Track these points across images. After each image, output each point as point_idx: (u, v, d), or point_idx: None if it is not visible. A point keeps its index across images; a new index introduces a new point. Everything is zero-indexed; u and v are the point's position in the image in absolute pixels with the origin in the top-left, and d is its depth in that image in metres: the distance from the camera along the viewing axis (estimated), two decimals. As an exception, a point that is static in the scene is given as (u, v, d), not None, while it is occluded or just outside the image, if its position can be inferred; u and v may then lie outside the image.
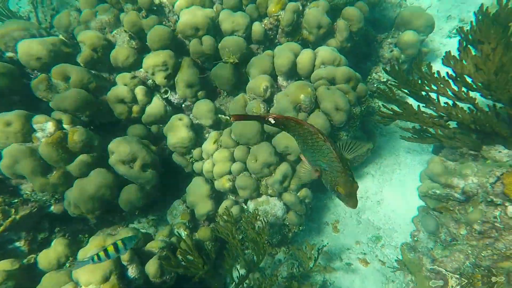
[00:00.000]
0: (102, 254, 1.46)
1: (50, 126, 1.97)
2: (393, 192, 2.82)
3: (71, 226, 2.30)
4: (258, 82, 2.25)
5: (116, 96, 2.25)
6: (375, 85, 3.06)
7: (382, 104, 2.66)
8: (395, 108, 2.26)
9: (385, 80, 2.99)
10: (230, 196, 2.37)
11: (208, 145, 2.31)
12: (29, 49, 2.11)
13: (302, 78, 2.40)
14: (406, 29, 3.03)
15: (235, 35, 2.40)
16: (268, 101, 2.32)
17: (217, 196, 2.35)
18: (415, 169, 2.82)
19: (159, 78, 2.36)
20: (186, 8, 2.37)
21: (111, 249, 1.48)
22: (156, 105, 2.39)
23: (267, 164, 2.14)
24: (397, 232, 2.59)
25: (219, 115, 2.47)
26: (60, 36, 2.48)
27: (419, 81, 2.09)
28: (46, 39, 2.23)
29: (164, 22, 2.50)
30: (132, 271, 1.73)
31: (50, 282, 1.59)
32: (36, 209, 2.09)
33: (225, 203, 2.32)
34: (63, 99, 2.03)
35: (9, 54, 2.22)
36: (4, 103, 2.04)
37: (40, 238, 2.19)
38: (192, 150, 2.36)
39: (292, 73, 2.38)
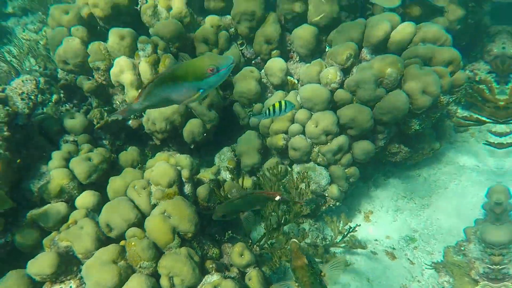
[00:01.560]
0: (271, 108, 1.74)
1: (149, 48, 2.28)
2: (444, 201, 2.67)
3: (140, 141, 2.71)
4: (342, 48, 2.23)
5: (202, 35, 2.47)
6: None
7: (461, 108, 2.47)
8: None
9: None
10: (276, 157, 2.50)
11: (270, 102, 2.44)
12: None
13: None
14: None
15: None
16: (347, 72, 2.31)
17: (264, 153, 2.51)
18: (480, 185, 2.61)
19: (242, 27, 2.51)
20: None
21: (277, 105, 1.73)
22: (233, 53, 2.56)
23: (327, 132, 2.19)
24: (436, 240, 2.49)
25: (288, 77, 2.55)
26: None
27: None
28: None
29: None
30: (187, 189, 2.00)
31: (129, 174, 1.96)
32: (121, 118, 2.50)
33: (273, 159, 2.47)
34: (164, 26, 2.32)
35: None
36: (120, 21, 2.41)
37: (117, 144, 2.64)
38: (253, 104, 2.51)
39: (381, 47, 2.30)
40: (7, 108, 1.93)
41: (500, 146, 2.53)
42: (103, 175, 2.12)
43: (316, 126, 2.20)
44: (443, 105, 2.15)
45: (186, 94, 1.11)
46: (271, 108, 1.74)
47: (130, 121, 2.57)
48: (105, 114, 2.50)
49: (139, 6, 2.52)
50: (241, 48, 2.64)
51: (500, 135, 2.61)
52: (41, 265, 1.54)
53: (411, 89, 2.04)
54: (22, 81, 2.09)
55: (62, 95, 2.66)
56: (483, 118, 2.01)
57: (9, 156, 1.88)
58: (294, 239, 1.30)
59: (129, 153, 2.36)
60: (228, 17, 2.59)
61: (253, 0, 2.40)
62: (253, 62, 2.72)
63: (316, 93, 2.20)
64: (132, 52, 2.33)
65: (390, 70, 2.05)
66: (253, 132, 2.50)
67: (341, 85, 2.24)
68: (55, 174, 1.95)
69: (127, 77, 2.26)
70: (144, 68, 2.25)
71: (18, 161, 1.93)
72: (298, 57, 2.67)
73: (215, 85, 1.17)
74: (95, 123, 2.45)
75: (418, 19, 2.40)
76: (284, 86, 2.54)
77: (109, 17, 2.35)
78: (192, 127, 2.39)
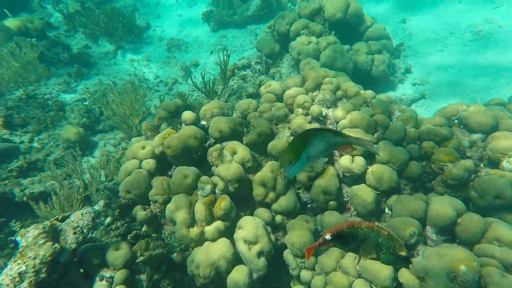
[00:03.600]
0: None
1: (208, 188, 2.30)
2: None
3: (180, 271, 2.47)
4: (405, 224, 2.07)
5: (261, 179, 2.47)
6: None
7: None
8: None
9: None
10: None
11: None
12: (218, 123, 2.66)
13: (458, 242, 2.08)
14: None
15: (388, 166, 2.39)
16: (411, 247, 2.07)
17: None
18: None
19: (302, 176, 2.49)
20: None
21: None
22: (289, 200, 2.46)
23: None
24: None
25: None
26: (238, 117, 3.04)
27: None
28: (231, 118, 2.77)
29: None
30: None
31: None
32: (166, 251, 2.37)
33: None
34: (227, 169, 2.38)
35: (203, 122, 2.85)
36: (187, 158, 2.56)
37: (155, 278, 2.42)
38: (304, 262, 2.23)
39: (447, 230, 2.12)
40: (55, 246, 1.91)
41: None
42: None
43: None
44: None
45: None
46: None
47: (175, 255, 2.41)
48: (151, 244, 2.40)
49: (207, 143, 2.71)
50: (298, 191, 2.55)
51: None
52: None
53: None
54: (82, 214, 2.15)
55: (116, 213, 2.69)
56: None
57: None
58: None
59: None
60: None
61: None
62: (308, 206, 2.58)
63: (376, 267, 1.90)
64: (191, 190, 2.37)
65: (464, 268, 1.74)
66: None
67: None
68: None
69: (181, 215, 2.22)
70: (200, 208, 2.22)
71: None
72: (356, 212, 2.48)
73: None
74: (138, 255, 2.33)
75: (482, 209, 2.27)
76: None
77: (177, 156, 2.52)
78: (237, 276, 2.12)
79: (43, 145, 3.89)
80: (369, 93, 2.91)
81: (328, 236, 1.44)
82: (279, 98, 3.02)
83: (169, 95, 5.76)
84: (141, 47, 7.18)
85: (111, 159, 3.75)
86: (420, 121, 2.77)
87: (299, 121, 2.63)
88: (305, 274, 2.17)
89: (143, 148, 2.67)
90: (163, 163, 2.74)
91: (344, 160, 2.41)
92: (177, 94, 5.07)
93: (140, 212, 2.42)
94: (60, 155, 3.79)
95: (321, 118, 2.71)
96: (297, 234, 2.19)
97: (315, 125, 2.68)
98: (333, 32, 4.17)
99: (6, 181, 2.81)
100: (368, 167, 2.40)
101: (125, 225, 2.78)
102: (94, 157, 4.15)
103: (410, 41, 5.90)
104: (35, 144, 3.84)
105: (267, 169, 2.50)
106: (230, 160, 2.52)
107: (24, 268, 1.73)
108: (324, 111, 2.77)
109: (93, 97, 4.94)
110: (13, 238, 2.61)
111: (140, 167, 2.59)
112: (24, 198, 2.81)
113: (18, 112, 3.95)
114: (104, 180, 3.57)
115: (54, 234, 1.98)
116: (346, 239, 1.46)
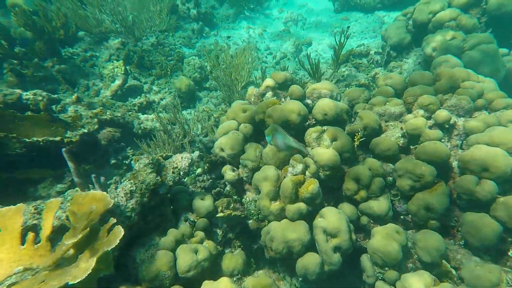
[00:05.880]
0: None
1: (299, 167, 2.23)
2: None
3: (252, 240, 2.54)
4: None
5: (356, 174, 2.27)
6: None
7: None
8: None
9: None
10: None
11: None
12: (324, 105, 2.51)
13: None
14: None
15: None
16: None
17: None
18: None
19: (403, 183, 2.18)
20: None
21: None
22: (382, 204, 2.21)
23: None
24: None
25: (443, 261, 1.96)
26: (346, 104, 2.82)
27: None
28: (337, 103, 2.58)
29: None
30: None
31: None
32: (243, 216, 2.44)
33: None
34: (323, 154, 2.26)
35: (308, 101, 2.74)
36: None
37: (228, 236, 2.55)
38: (386, 268, 1.99)
39: None
40: (158, 178, 2.14)
41: None
42: (201, 273, 1.98)
43: None
44: None
45: None
46: None
47: (251, 221, 2.47)
48: (232, 204, 2.51)
49: (306, 123, 2.61)
50: (393, 199, 2.27)
51: None
52: None
53: None
54: (181, 157, 2.34)
55: (206, 166, 2.89)
56: None
57: (135, 221, 1.99)
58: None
59: (234, 259, 2.19)
60: (390, 165, 2.32)
61: (425, 165, 2.09)
62: (401, 217, 2.28)
63: None
64: (282, 165, 2.33)
65: None
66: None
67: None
68: (159, 256, 1.92)
69: (267, 186, 2.23)
70: (287, 184, 2.17)
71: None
72: (463, 240, 2.07)
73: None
74: (219, 210, 2.46)
75: None
76: (436, 269, 1.95)
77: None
78: (308, 262, 2.05)
79: (160, 89, 4.40)
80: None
81: None
82: (398, 94, 2.66)
83: (274, 69, 5.78)
84: (259, 16, 7.31)
85: (211, 116, 4.01)
86: None
87: (417, 122, 2.27)
88: (381, 286, 1.96)
89: (244, 111, 2.73)
90: (259, 132, 2.77)
91: (467, 180, 2.00)
92: (280, 69, 5.03)
93: (229, 172, 2.52)
94: (170, 102, 4.24)
95: (447, 126, 2.28)
96: (384, 242, 1.97)
97: (436, 132, 2.27)
98: (489, 30, 3.40)
99: (130, 113, 3.27)
100: (499, 196, 1.94)
101: (210, 180, 2.97)
102: (196, 111, 4.52)
103: None
104: (154, 87, 4.37)
105: (365, 166, 2.27)
106: (328, 145, 2.37)
107: (134, 188, 1.99)
108: (453, 119, 2.32)
109: (207, 56, 5.31)
110: (126, 162, 3.08)
111: (237, 129, 2.67)
112: (140, 132, 3.24)
113: (148, 55, 4.51)
114: (199, 134, 3.87)
115: (158, 168, 2.22)
116: None
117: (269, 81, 2.93)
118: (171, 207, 2.41)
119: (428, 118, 2.35)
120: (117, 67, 3.93)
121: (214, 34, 6.26)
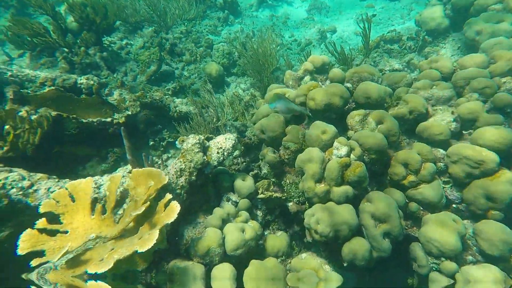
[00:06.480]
0: None
1: (344, 150, 2.20)
2: None
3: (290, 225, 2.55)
4: None
5: (405, 158, 2.22)
6: None
7: None
8: None
9: None
10: None
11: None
12: (367, 89, 2.46)
13: None
14: None
15: None
16: None
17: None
18: None
19: (458, 169, 2.12)
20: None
21: None
22: (432, 188, 2.16)
23: None
24: None
25: None
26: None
27: None
28: (381, 86, 2.53)
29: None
30: None
31: (271, 265, 1.76)
32: (283, 198, 2.45)
33: None
34: (369, 137, 2.21)
35: (347, 84, 2.69)
36: (326, 115, 2.49)
37: (267, 218, 2.56)
38: (443, 259, 1.95)
39: None
40: (204, 158, 2.16)
41: None
42: (248, 252, 2.01)
43: None
44: None
45: None
46: None
47: (291, 204, 2.47)
48: (271, 186, 2.51)
49: (346, 107, 2.57)
50: (444, 186, 2.21)
51: None
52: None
53: None
54: (225, 138, 2.35)
55: (242, 149, 2.91)
56: None
57: (184, 198, 2.03)
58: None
59: (278, 240, 2.20)
60: (441, 151, 2.26)
61: (485, 151, 2.02)
62: (453, 206, 2.21)
63: None
64: (326, 147, 2.30)
65: None
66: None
67: None
68: (209, 233, 1.95)
69: (312, 167, 2.21)
70: (333, 167, 2.15)
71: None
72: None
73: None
74: (259, 191, 2.47)
75: None
76: (502, 264, 1.89)
77: (318, 111, 2.46)
78: (356, 247, 2.02)
79: (190, 74, 4.42)
80: None
81: None
82: (445, 78, 2.58)
83: (299, 55, 5.71)
84: (282, 5, 7.21)
85: (240, 101, 4.00)
86: None
87: (472, 106, 2.19)
88: (437, 278, 1.92)
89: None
90: (298, 115, 2.75)
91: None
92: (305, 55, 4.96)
93: (270, 154, 2.52)
94: (202, 86, 4.26)
95: (508, 110, 2.18)
96: (440, 231, 1.91)
97: (496, 117, 2.15)
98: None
99: (166, 96, 3.31)
100: None
101: (244, 163, 3.00)
102: (225, 96, 4.52)
103: None
104: (185, 73, 4.39)
105: (414, 150, 2.22)
106: (374, 128, 2.33)
107: (183, 166, 2.02)
108: None
109: (233, 43, 5.29)
110: (163, 143, 3.12)
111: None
112: (175, 115, 3.28)
113: (179, 43, 4.53)
114: (230, 118, 3.87)
115: (203, 148, 2.24)
116: None
117: (307, 65, 2.89)
118: (212, 188, 2.44)
119: (483, 102, 2.26)
120: (152, 54, 3.97)
121: (238, 22, 6.22)
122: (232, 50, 4.89)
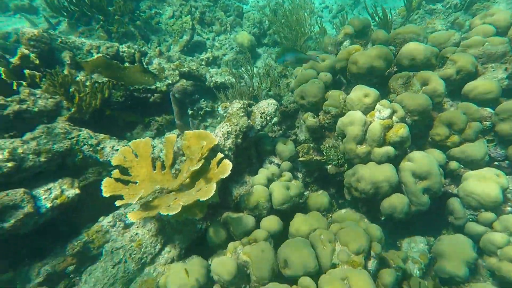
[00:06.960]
0: None
1: (387, 112, 2.20)
2: None
3: (327, 186, 2.65)
4: None
5: (449, 119, 2.19)
6: None
7: None
8: None
9: None
10: None
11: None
12: (412, 50, 2.39)
13: None
14: None
15: None
16: None
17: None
18: None
19: (505, 126, 2.07)
20: None
21: None
22: (477, 147, 2.13)
23: None
24: None
25: None
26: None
27: None
28: (426, 46, 2.44)
29: None
30: (371, 264, 1.76)
31: (315, 219, 1.90)
32: (323, 161, 2.52)
33: None
34: (413, 98, 2.19)
35: (391, 47, 2.61)
36: (367, 79, 2.47)
37: (306, 180, 2.65)
38: (482, 210, 1.97)
39: None
40: (249, 121, 2.25)
41: None
42: (293, 206, 2.14)
43: None
44: None
45: None
46: None
47: (330, 166, 2.54)
48: (311, 150, 2.59)
49: (387, 71, 2.52)
50: (488, 145, 2.18)
51: None
52: (222, 269, 1.59)
53: None
54: (267, 103, 2.41)
55: (279, 117, 2.99)
56: None
57: (231, 159, 2.15)
58: None
59: (320, 197, 2.31)
60: (488, 109, 2.20)
61: None
62: (496, 163, 2.19)
63: None
64: (368, 110, 2.31)
65: None
66: (467, 240, 1.97)
67: None
68: (257, 189, 2.08)
69: (353, 130, 2.24)
70: (376, 128, 2.17)
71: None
72: None
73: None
74: (300, 155, 2.56)
75: None
76: None
77: (359, 75, 2.44)
78: (395, 201, 2.09)
79: (221, 45, 4.44)
80: None
81: None
82: (500, 33, 2.43)
83: (330, 23, 5.51)
84: (311, -32, 6.84)
85: (274, 71, 3.99)
86: None
87: (527, 63, 2.09)
88: (474, 227, 1.96)
89: (323, 60, 2.69)
90: (337, 81, 2.74)
91: None
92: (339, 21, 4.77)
93: (310, 119, 2.56)
94: (233, 57, 4.28)
95: None
96: (481, 185, 1.93)
97: None
98: None
99: (201, 67, 3.38)
100: None
101: (281, 130, 3.07)
102: (257, 67, 4.52)
103: None
104: (216, 43, 4.41)
105: (458, 109, 2.18)
106: (418, 90, 2.29)
107: (230, 129, 2.13)
108: None
109: (263, 11, 5.17)
110: (201, 112, 3.24)
111: (316, 78, 2.66)
112: (211, 84, 3.36)
113: (208, 11, 4.51)
114: (265, 87, 3.90)
115: (247, 113, 2.32)
116: None
117: (348, 28, 2.83)
118: (255, 152, 2.55)
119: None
120: (185, 22, 4.00)
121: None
122: (262, 19, 4.81)
